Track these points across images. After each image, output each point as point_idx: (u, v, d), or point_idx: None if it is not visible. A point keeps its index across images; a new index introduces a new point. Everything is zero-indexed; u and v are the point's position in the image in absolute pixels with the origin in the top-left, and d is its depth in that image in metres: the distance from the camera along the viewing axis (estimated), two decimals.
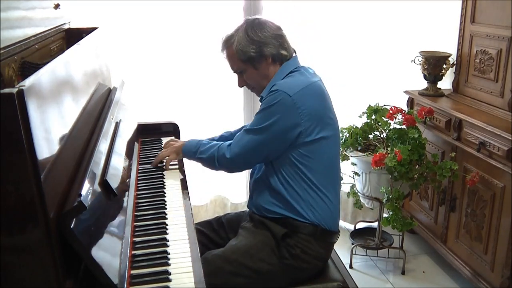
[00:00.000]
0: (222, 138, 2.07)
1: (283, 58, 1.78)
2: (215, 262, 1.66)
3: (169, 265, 1.31)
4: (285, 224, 1.71)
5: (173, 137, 2.21)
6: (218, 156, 1.76)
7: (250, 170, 1.91)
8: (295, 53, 1.84)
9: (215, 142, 1.84)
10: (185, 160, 2.10)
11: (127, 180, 1.59)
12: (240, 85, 1.87)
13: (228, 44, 1.79)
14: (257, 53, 1.74)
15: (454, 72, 2.73)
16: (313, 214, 1.70)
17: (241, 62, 1.77)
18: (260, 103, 1.79)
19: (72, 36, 1.86)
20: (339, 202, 1.82)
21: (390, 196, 2.46)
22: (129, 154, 1.77)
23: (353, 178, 2.71)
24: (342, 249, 2.76)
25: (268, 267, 1.68)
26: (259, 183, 1.80)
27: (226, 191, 3.07)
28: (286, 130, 1.67)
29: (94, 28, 1.96)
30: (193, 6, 2.71)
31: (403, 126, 2.53)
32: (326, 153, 1.74)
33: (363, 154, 2.56)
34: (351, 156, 2.61)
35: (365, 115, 2.61)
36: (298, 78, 1.74)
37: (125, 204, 1.43)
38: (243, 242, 1.72)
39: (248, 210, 1.90)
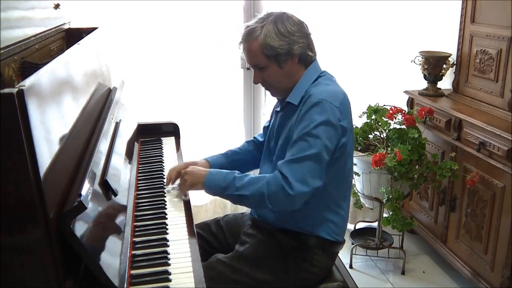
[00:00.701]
0: (233, 155, 1.94)
1: (308, 59, 1.66)
2: (219, 269, 1.62)
3: (169, 265, 1.31)
4: (295, 237, 1.66)
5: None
6: (270, 192, 1.51)
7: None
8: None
9: (256, 176, 1.59)
10: (184, 158, 2.09)
11: (127, 180, 1.59)
12: (256, 81, 1.70)
13: (252, 36, 1.61)
14: (285, 50, 1.60)
15: (454, 72, 2.73)
16: (325, 230, 1.66)
17: (265, 57, 1.61)
18: (279, 105, 1.73)
19: (72, 36, 1.86)
20: (349, 211, 1.78)
21: (390, 196, 2.46)
22: (129, 154, 1.77)
23: (353, 178, 2.71)
24: (342, 249, 2.74)
25: (273, 278, 1.64)
26: None
27: None
28: (333, 142, 1.56)
29: (94, 28, 1.95)
30: (193, 6, 2.71)
31: (403, 126, 2.53)
32: (347, 166, 1.68)
33: (363, 154, 2.56)
34: None
35: (365, 115, 2.61)
36: (331, 86, 1.65)
37: (125, 204, 1.42)
38: (249, 251, 1.67)
39: (248, 213, 1.88)
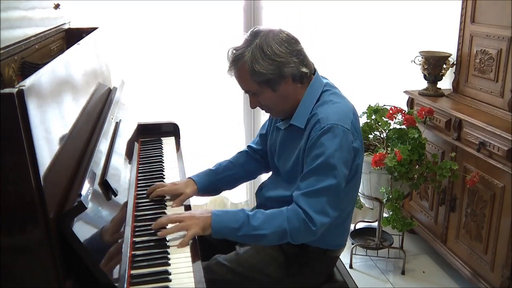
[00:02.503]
0: (224, 170, 1.84)
1: (303, 76, 1.55)
2: (219, 271, 1.60)
3: (169, 265, 1.31)
4: (296, 245, 1.60)
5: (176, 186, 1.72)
6: (292, 228, 1.45)
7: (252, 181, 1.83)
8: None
9: (271, 211, 1.49)
10: (184, 158, 2.09)
11: (127, 180, 1.59)
12: (253, 106, 1.63)
13: (239, 63, 1.52)
14: (275, 74, 1.50)
15: (454, 72, 2.73)
16: (329, 242, 1.64)
17: (256, 84, 1.53)
18: (280, 121, 1.66)
19: (72, 36, 1.86)
20: (350, 217, 1.74)
21: (390, 196, 2.46)
22: (129, 154, 1.77)
23: None
24: None
25: (274, 282, 1.63)
26: (273, 203, 1.65)
27: (225, 191, 3.06)
28: (348, 166, 1.52)
29: (94, 28, 1.96)
30: (193, 6, 2.71)
31: (403, 126, 2.53)
32: (358, 183, 1.65)
33: (363, 154, 2.55)
34: None
35: (365, 115, 2.61)
36: (338, 104, 1.56)
37: (125, 204, 1.42)
38: (250, 254, 1.64)
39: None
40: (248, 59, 1.49)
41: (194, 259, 1.35)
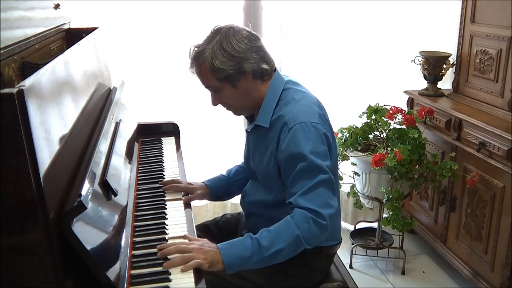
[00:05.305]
0: (235, 175, 1.89)
1: (264, 73, 1.57)
2: (218, 273, 1.53)
3: None
4: None
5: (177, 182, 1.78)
6: (304, 231, 1.41)
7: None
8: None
9: (275, 226, 1.43)
10: (184, 158, 2.09)
11: (127, 180, 1.59)
12: (215, 103, 1.63)
13: (200, 60, 1.53)
14: (235, 70, 1.51)
15: (454, 72, 2.73)
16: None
17: (216, 80, 1.54)
18: (248, 127, 1.68)
19: (72, 36, 1.86)
20: (340, 211, 1.74)
21: (390, 196, 2.46)
22: (129, 154, 1.77)
23: (353, 178, 2.71)
24: (342, 249, 2.72)
25: (272, 282, 1.63)
26: (256, 208, 1.70)
27: None
28: (327, 156, 1.52)
29: (94, 28, 1.96)
30: (193, 6, 2.71)
31: (403, 126, 2.53)
32: (336, 171, 1.65)
33: (363, 154, 2.56)
34: (351, 156, 2.61)
35: (365, 115, 2.61)
36: (301, 101, 1.57)
37: (125, 204, 1.42)
38: None
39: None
40: (208, 55, 1.51)
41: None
